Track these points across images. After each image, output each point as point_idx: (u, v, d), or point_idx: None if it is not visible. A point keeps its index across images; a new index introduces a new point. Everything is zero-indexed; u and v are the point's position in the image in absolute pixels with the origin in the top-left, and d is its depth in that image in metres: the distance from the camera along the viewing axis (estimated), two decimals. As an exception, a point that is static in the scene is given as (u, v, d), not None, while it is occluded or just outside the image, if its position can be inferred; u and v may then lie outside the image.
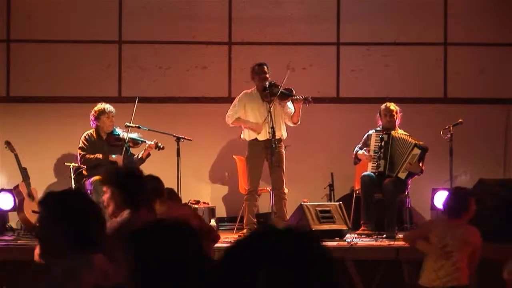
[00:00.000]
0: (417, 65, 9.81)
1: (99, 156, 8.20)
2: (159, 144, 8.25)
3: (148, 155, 8.33)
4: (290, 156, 8.58)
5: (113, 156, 8.23)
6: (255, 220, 8.42)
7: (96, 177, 7.99)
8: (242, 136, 8.45)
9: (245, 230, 8.25)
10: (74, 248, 3.01)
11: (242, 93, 8.48)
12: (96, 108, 8.34)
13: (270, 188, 8.26)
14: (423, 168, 8.20)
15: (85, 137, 8.33)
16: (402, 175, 8.17)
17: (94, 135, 8.34)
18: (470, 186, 8.19)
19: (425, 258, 5.83)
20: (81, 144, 8.30)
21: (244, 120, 8.33)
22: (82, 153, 8.25)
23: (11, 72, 9.50)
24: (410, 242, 6.06)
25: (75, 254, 3.00)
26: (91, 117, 8.34)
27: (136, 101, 8.17)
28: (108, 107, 8.33)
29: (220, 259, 1.61)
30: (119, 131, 8.39)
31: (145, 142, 8.30)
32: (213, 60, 9.71)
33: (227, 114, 8.39)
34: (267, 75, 8.33)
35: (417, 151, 8.11)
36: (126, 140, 8.26)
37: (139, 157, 8.34)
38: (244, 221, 8.36)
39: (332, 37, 9.77)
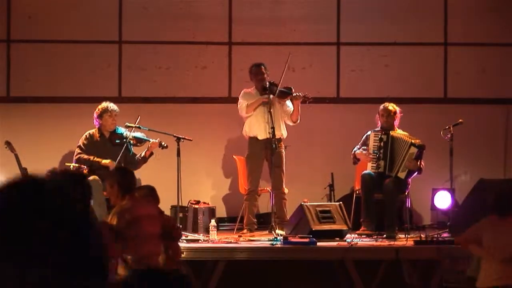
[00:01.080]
0: (417, 65, 9.81)
1: (92, 158, 8.18)
2: (163, 143, 8.25)
3: (151, 154, 8.32)
4: (290, 156, 8.59)
5: (105, 161, 8.20)
6: (255, 220, 8.42)
7: (90, 178, 7.92)
8: (243, 132, 8.44)
9: (245, 230, 8.25)
10: None
11: (242, 91, 8.48)
12: (99, 106, 8.35)
13: (270, 188, 8.26)
14: (422, 166, 8.19)
15: (85, 136, 8.33)
16: (402, 174, 8.16)
17: (97, 134, 8.35)
18: (471, 186, 8.19)
19: (481, 261, 5.74)
20: (79, 143, 8.30)
21: (252, 102, 8.28)
22: (78, 151, 8.26)
23: (11, 72, 9.50)
24: (462, 245, 5.98)
25: None
26: (95, 115, 8.35)
27: (138, 119, 8.20)
28: (111, 105, 8.34)
29: None
30: (122, 130, 8.40)
31: (148, 140, 8.30)
32: (213, 60, 9.71)
33: (239, 107, 8.34)
34: (265, 76, 8.32)
35: (414, 149, 8.11)
36: (128, 138, 8.27)
37: (142, 156, 8.34)
38: (244, 221, 8.36)
39: (332, 37, 9.77)
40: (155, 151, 8.35)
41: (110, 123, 8.32)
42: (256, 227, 8.39)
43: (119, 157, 8.19)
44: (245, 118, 8.38)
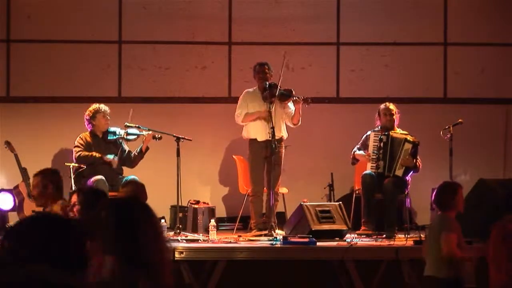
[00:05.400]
0: (417, 65, 9.81)
1: (95, 154, 8.21)
2: (156, 135, 8.26)
3: (147, 148, 8.34)
4: (290, 156, 8.58)
5: (109, 156, 8.23)
6: (264, 218, 8.31)
7: (97, 177, 8.00)
8: (243, 134, 8.44)
9: (254, 231, 8.18)
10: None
11: (244, 92, 8.47)
12: (90, 108, 8.41)
13: (266, 188, 8.23)
14: (419, 164, 8.20)
15: (80, 137, 8.39)
16: (399, 172, 8.18)
17: (89, 136, 8.37)
18: (470, 186, 8.19)
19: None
20: (76, 143, 8.35)
21: (251, 113, 8.30)
22: (77, 150, 8.29)
23: (11, 72, 9.50)
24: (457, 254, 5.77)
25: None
26: (86, 118, 8.37)
27: (131, 112, 8.20)
28: (103, 106, 8.40)
29: None
30: (114, 128, 8.42)
31: (142, 134, 8.31)
32: (213, 60, 9.71)
33: (235, 114, 8.36)
34: (268, 75, 8.31)
35: (408, 146, 8.15)
36: (121, 135, 8.29)
37: (138, 151, 8.36)
38: (252, 222, 8.30)
39: (332, 37, 9.77)
40: (151, 147, 8.37)
41: (104, 123, 8.36)
42: (264, 226, 8.30)
43: (118, 153, 8.23)
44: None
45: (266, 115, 8.15)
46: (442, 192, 5.79)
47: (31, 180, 8.46)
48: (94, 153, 8.23)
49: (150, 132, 8.27)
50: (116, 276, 2.62)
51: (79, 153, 8.26)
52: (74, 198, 5.02)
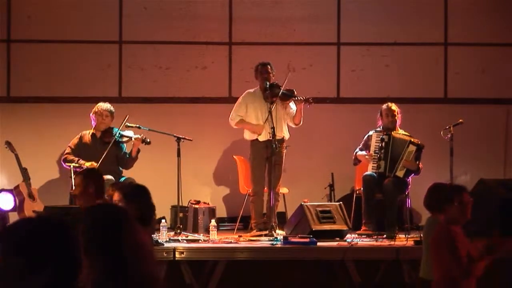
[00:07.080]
0: (417, 65, 9.81)
1: (76, 160, 8.25)
2: (146, 139, 8.25)
3: (138, 151, 8.33)
4: (291, 156, 8.58)
5: (88, 163, 8.21)
6: (263, 219, 8.31)
7: (107, 177, 7.99)
8: (244, 136, 8.45)
9: (254, 231, 8.18)
10: None
11: (245, 92, 8.46)
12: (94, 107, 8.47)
13: (267, 188, 8.23)
14: (420, 166, 8.21)
15: (77, 137, 8.43)
16: (400, 173, 8.18)
17: (88, 134, 8.41)
18: (471, 186, 8.20)
19: None
20: (70, 143, 8.41)
21: (246, 122, 8.33)
22: (67, 151, 8.38)
23: (11, 72, 9.50)
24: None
25: None
26: (91, 115, 8.44)
27: (127, 118, 8.21)
28: (102, 106, 8.43)
29: None
30: (116, 129, 8.43)
31: (131, 137, 8.30)
32: (213, 60, 9.70)
33: (230, 116, 8.37)
34: (270, 75, 8.31)
35: (412, 148, 8.15)
36: (117, 135, 8.30)
37: (128, 154, 8.37)
38: (253, 222, 8.30)
39: (332, 37, 9.77)
40: (149, 150, 8.37)
41: (100, 122, 8.41)
42: (265, 226, 8.30)
43: (103, 156, 8.20)
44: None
45: (259, 131, 8.18)
46: (429, 194, 5.83)
47: (31, 180, 8.52)
48: (76, 160, 8.27)
49: (140, 137, 8.26)
50: (97, 281, 2.67)
51: (65, 156, 8.37)
52: (116, 196, 5.02)
